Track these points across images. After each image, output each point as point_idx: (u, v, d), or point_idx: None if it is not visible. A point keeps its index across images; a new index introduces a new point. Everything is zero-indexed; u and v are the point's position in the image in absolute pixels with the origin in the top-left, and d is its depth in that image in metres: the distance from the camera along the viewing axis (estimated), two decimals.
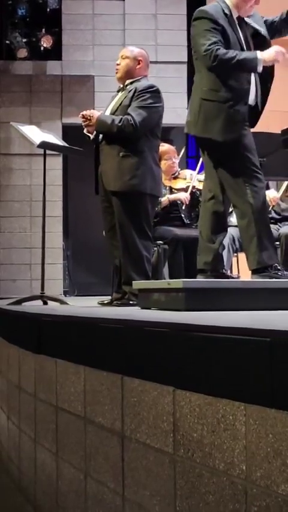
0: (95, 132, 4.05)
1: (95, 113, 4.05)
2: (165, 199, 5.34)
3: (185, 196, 5.44)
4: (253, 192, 3.35)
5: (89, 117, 4.01)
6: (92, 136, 4.08)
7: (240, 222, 3.42)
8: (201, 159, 6.19)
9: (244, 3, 3.49)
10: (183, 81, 8.51)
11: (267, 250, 3.35)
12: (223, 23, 3.42)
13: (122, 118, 3.90)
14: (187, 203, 5.43)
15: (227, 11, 3.45)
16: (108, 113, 4.07)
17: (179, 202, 5.53)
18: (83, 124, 4.09)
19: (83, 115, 4.05)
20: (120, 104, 4.01)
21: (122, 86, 4.13)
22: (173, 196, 5.45)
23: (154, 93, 3.99)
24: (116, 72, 4.13)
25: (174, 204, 5.59)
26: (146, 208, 3.95)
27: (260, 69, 3.40)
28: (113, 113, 4.01)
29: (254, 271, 3.37)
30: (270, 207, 5.25)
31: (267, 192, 5.21)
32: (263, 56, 3.40)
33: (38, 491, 2.69)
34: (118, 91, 4.17)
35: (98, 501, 2.05)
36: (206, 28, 3.40)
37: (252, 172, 3.37)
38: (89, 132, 4.08)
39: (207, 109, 3.41)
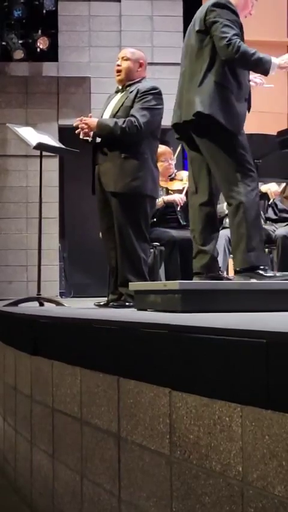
0: (92, 133, 4.03)
1: (92, 120, 4.02)
2: (160, 201, 5.32)
3: (179, 198, 5.43)
4: (246, 191, 3.35)
5: (85, 123, 4.00)
6: (90, 139, 4.06)
7: (231, 219, 3.42)
8: None
9: (241, 12, 3.50)
10: None
11: (255, 251, 3.34)
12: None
13: (125, 120, 3.88)
14: (181, 204, 5.41)
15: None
16: (108, 113, 4.04)
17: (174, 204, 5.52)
18: (79, 131, 4.05)
19: (82, 121, 4.01)
20: (121, 105, 3.99)
21: (120, 87, 4.12)
22: (167, 198, 5.44)
23: (157, 94, 3.99)
24: (118, 74, 4.10)
25: (170, 206, 5.59)
26: (145, 210, 3.96)
27: (272, 73, 3.38)
28: (115, 114, 3.98)
29: (238, 272, 3.37)
30: (271, 200, 5.24)
31: (269, 186, 5.19)
32: (277, 61, 3.39)
33: (35, 493, 2.69)
34: (116, 92, 4.16)
35: (94, 502, 2.05)
36: (229, 18, 3.35)
37: (247, 171, 3.37)
38: (86, 135, 4.06)
39: (222, 94, 3.34)
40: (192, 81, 3.43)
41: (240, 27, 3.41)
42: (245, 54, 3.29)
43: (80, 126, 4.03)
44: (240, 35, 3.37)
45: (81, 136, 4.07)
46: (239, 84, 3.40)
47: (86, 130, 4.00)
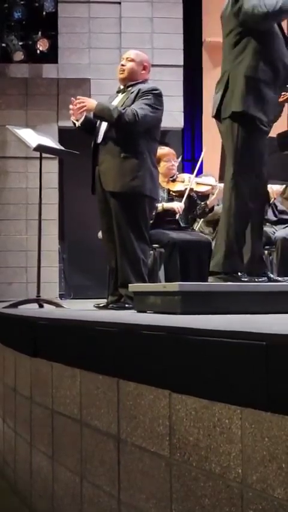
0: (82, 119, 4.00)
1: (92, 100, 4.03)
2: (159, 206, 5.32)
3: (178, 206, 5.42)
4: (242, 197, 3.36)
5: (82, 102, 3.98)
6: (78, 124, 4.03)
7: (221, 220, 3.43)
8: (198, 163, 6.18)
9: None
10: (179, 85, 8.54)
11: (233, 257, 3.35)
12: None
13: (125, 107, 3.91)
14: (180, 212, 5.41)
15: None
16: None
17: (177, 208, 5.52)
18: (73, 107, 4.01)
19: (77, 99, 4.00)
20: (122, 105, 4.01)
21: (122, 87, 4.14)
22: (166, 205, 5.42)
23: (157, 96, 4.02)
24: (121, 73, 4.12)
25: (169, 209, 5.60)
26: (144, 210, 3.96)
27: None
28: None
29: (212, 273, 3.38)
30: (272, 200, 5.23)
31: (271, 186, 5.18)
32: None
33: (34, 495, 2.69)
34: (118, 92, 4.18)
35: (94, 504, 2.05)
36: None
37: (249, 178, 3.38)
38: (76, 119, 4.03)
39: (254, 87, 3.34)
40: (222, 78, 3.44)
41: None
42: (272, 7, 3.23)
43: (76, 102, 4.00)
44: None
45: (71, 118, 4.04)
46: (275, 71, 3.38)
47: (82, 104, 3.97)
